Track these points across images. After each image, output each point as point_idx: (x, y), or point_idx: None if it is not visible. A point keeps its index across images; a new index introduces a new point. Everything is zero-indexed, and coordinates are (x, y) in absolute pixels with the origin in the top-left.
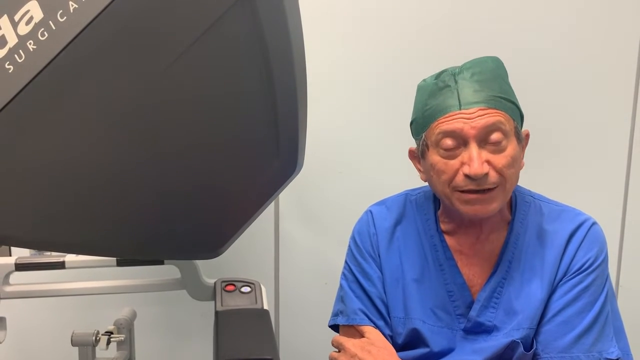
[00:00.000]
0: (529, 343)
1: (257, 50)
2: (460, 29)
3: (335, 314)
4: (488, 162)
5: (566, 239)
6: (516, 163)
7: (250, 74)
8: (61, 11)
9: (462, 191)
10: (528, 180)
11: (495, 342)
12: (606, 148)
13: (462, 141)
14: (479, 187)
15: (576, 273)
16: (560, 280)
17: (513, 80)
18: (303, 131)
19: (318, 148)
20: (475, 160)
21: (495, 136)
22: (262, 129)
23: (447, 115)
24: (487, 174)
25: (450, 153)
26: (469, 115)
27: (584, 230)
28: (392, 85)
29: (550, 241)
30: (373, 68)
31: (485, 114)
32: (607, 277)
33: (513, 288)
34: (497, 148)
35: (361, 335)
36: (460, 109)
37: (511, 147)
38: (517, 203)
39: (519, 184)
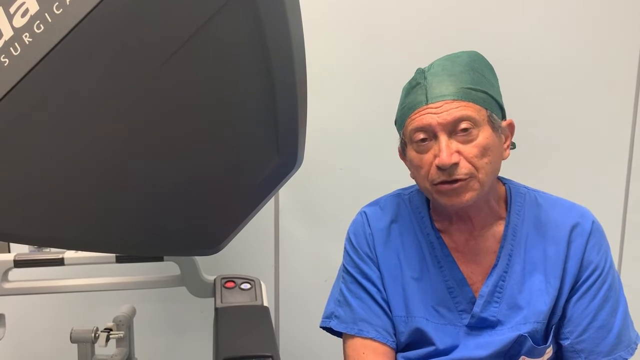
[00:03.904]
0: (541, 337)
1: (257, 46)
2: (461, 29)
3: (328, 317)
4: (459, 152)
5: (568, 232)
6: (490, 152)
7: (250, 70)
8: (57, 3)
9: (437, 184)
10: (528, 180)
11: (501, 336)
12: (607, 148)
13: (432, 134)
14: (450, 177)
15: (595, 273)
16: (578, 281)
17: (513, 82)
18: (303, 127)
19: (319, 145)
20: (444, 151)
21: (464, 125)
22: (261, 124)
23: (416, 111)
24: (457, 164)
25: (423, 147)
26: (436, 110)
27: (587, 225)
28: (392, 83)
29: (551, 233)
30: (374, 65)
31: (452, 107)
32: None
33: (515, 281)
34: (467, 138)
35: (363, 344)
36: (427, 104)
37: (483, 136)
38: (512, 195)
39: (518, 181)
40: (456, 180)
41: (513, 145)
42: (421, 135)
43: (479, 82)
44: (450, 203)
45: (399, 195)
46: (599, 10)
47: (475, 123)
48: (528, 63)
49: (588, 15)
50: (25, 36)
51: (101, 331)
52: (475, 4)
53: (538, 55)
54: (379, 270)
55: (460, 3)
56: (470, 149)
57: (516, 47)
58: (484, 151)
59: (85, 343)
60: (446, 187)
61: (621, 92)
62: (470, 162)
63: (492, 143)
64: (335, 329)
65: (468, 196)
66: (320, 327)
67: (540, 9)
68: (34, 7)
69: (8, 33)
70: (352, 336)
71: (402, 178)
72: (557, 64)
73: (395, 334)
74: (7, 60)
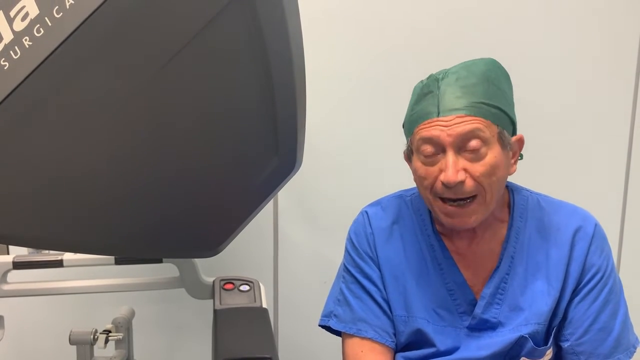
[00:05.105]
0: (541, 338)
1: (256, 48)
2: (460, 29)
3: (327, 315)
4: (466, 170)
5: (571, 236)
6: (498, 171)
7: (249, 73)
8: (57, 7)
9: (442, 200)
10: (528, 180)
11: (501, 337)
12: (606, 148)
13: (440, 148)
14: (455, 195)
15: (597, 276)
16: (580, 284)
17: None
18: (302, 129)
19: (318, 146)
20: (450, 168)
21: (474, 143)
22: (261, 127)
23: (426, 122)
24: (463, 182)
25: (430, 159)
26: (446, 123)
27: (589, 228)
28: (393, 84)
29: (553, 237)
30: (374, 67)
31: (463, 121)
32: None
33: (517, 283)
34: (476, 156)
35: (362, 344)
36: (438, 116)
37: (492, 155)
38: (515, 197)
39: (517, 183)
40: (463, 201)
41: (520, 156)
42: (429, 148)
43: (493, 96)
44: (453, 224)
45: (401, 197)
46: (598, 10)
47: (484, 141)
48: (526, 63)
49: (587, 15)
50: (25, 40)
51: (100, 333)
52: (475, 4)
53: (536, 55)
54: (380, 269)
55: (458, 4)
56: (477, 168)
57: (514, 48)
58: (492, 170)
59: (84, 345)
60: (452, 209)
61: (620, 92)
62: (476, 181)
63: (500, 161)
64: (334, 327)
65: (473, 219)
66: (319, 325)
67: (539, 9)
68: (34, 11)
69: (8, 37)
70: (351, 335)
71: (402, 179)
72: (555, 64)
73: (394, 334)
74: (7, 63)
